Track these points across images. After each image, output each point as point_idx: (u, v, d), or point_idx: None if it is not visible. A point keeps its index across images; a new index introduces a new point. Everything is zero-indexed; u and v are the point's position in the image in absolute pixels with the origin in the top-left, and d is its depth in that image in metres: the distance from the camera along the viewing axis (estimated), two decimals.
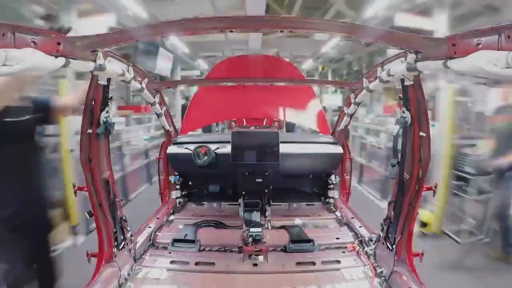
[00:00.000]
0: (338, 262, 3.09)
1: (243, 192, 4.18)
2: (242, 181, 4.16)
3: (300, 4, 9.12)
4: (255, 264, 3.09)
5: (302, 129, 8.97)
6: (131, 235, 3.11)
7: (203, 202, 4.67)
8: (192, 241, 3.36)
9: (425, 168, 2.50)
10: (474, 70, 1.57)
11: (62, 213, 5.51)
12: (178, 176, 4.55)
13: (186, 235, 3.49)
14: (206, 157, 4.12)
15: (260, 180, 4.11)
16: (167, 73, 12.79)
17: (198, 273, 2.93)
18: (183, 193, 4.65)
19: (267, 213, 4.12)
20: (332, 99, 17.38)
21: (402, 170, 2.68)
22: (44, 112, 3.21)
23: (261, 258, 3.17)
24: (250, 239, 3.34)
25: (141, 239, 3.35)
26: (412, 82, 2.35)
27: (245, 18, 2.19)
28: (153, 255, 3.19)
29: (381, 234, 3.05)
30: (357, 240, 3.37)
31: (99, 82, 2.39)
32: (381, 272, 2.77)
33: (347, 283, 2.75)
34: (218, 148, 4.18)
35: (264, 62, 5.40)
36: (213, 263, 3.07)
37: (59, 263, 3.49)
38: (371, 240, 3.19)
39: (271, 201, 4.28)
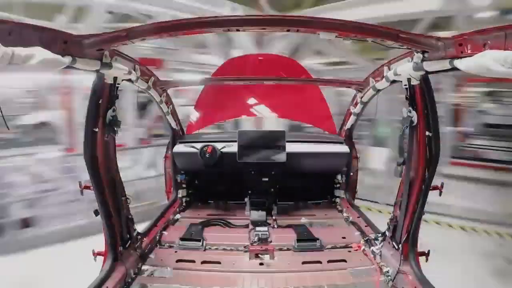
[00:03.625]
0: (344, 261, 3.08)
1: (249, 191, 4.18)
2: (248, 180, 4.16)
3: None
4: (261, 263, 3.09)
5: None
6: (138, 234, 3.13)
7: (209, 201, 4.69)
8: (198, 240, 3.37)
9: (431, 168, 2.49)
10: (481, 70, 1.56)
11: None
12: (184, 175, 4.56)
13: (192, 234, 3.50)
14: (212, 156, 4.12)
15: (267, 179, 4.12)
16: None
17: (204, 272, 2.94)
18: (189, 192, 4.66)
19: (273, 212, 4.12)
20: None
21: (408, 169, 2.67)
22: None
23: (267, 257, 3.17)
24: (256, 238, 3.34)
25: (147, 238, 3.36)
26: (418, 82, 2.34)
27: (247, 18, 2.18)
28: (159, 254, 3.20)
29: (387, 233, 3.04)
30: (363, 239, 3.35)
31: (105, 80, 2.41)
32: (387, 271, 2.77)
33: (353, 282, 2.75)
34: (224, 147, 4.19)
35: (270, 61, 5.38)
36: (219, 262, 3.07)
37: None
38: (377, 239, 3.17)
39: (277, 200, 4.28)
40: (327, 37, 2.06)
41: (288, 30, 2.13)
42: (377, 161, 9.09)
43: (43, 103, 13.62)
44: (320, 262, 3.08)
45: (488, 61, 1.47)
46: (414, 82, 2.36)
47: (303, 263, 3.07)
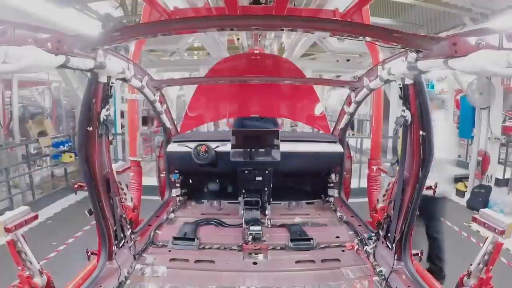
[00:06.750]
0: (338, 260, 3.08)
1: (243, 191, 4.17)
2: (242, 179, 4.16)
3: None
4: (255, 263, 3.09)
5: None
6: (131, 233, 3.11)
7: (203, 200, 4.68)
8: (192, 239, 3.36)
9: (425, 168, 2.50)
10: (475, 70, 1.57)
11: None
12: (178, 174, 4.54)
13: (186, 233, 3.49)
14: (206, 155, 4.11)
15: (260, 178, 4.11)
16: None
17: (198, 271, 2.93)
18: (183, 191, 4.65)
19: (267, 212, 4.11)
20: None
21: (402, 169, 2.68)
22: None
23: (260, 256, 3.17)
24: (250, 237, 3.34)
25: (141, 237, 3.35)
26: (412, 81, 2.35)
27: (241, 17, 2.18)
28: (153, 253, 3.18)
29: (380, 233, 3.05)
30: (356, 238, 3.36)
31: (99, 80, 2.38)
32: (381, 271, 2.77)
33: (346, 282, 2.75)
34: (218, 146, 4.18)
35: (265, 60, 5.39)
36: (212, 261, 3.06)
37: None
38: (370, 239, 3.17)
39: (271, 200, 4.28)
40: (322, 36, 2.06)
41: (282, 30, 2.13)
42: None
43: None
44: (313, 261, 3.08)
45: (483, 61, 1.48)
46: (408, 81, 2.36)
47: (297, 262, 3.07)
